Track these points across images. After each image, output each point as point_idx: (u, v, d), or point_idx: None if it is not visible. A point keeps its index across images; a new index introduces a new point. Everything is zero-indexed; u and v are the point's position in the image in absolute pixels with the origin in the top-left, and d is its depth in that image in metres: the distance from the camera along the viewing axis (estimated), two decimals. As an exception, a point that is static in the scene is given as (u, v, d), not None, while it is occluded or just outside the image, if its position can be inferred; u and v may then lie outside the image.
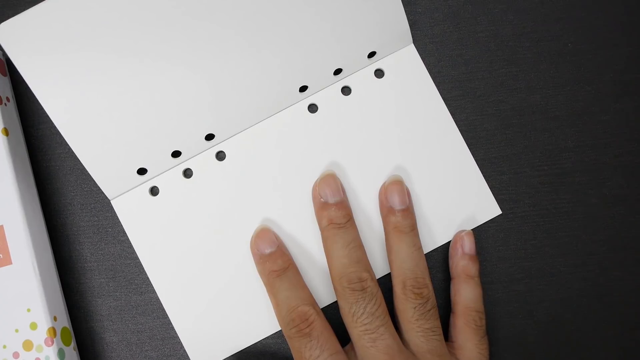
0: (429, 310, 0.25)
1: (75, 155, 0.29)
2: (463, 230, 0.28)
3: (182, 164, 0.28)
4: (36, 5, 0.24)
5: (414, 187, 0.28)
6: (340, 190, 0.27)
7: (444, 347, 0.25)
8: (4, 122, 0.27)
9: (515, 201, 0.29)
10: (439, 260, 0.29)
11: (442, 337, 0.25)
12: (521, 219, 0.29)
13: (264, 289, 0.27)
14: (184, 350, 0.28)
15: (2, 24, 0.24)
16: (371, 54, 0.29)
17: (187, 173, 0.29)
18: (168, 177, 0.28)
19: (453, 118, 0.29)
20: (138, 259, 0.28)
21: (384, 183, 0.28)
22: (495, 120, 0.30)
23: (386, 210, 0.27)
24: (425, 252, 0.28)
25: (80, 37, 0.24)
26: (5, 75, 0.29)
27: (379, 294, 0.25)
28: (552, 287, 0.29)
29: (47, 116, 0.30)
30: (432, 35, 0.30)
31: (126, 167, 0.27)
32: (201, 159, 0.28)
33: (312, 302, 0.25)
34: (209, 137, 0.28)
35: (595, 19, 0.30)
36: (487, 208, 0.29)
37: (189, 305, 0.28)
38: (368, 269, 0.25)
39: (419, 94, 0.29)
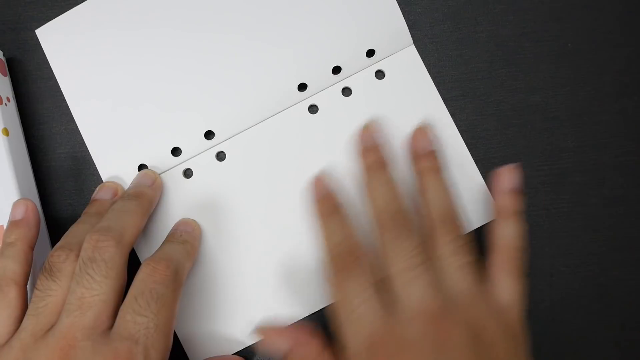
0: (463, 244, 0.24)
1: (75, 156, 0.29)
2: (506, 166, 0.27)
3: (182, 163, 0.28)
4: (69, 11, 0.28)
5: (414, 188, 0.28)
6: (379, 135, 0.28)
7: (480, 285, 0.24)
8: (4, 122, 0.27)
9: (515, 201, 0.29)
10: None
11: (476, 274, 0.24)
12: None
13: (263, 289, 0.27)
14: (184, 350, 0.28)
15: (43, 27, 0.28)
16: (370, 53, 0.29)
17: (187, 173, 0.29)
18: (168, 176, 0.28)
19: (453, 118, 0.29)
20: (138, 258, 0.28)
21: (413, 131, 0.28)
22: (495, 120, 0.30)
23: (413, 156, 0.27)
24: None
25: (99, 41, 0.28)
26: (5, 75, 0.29)
27: (421, 231, 0.25)
28: (552, 287, 0.29)
29: (48, 116, 0.30)
30: (432, 35, 0.30)
31: (129, 164, 0.28)
32: (201, 159, 0.28)
33: (358, 240, 0.25)
34: (209, 135, 0.28)
35: (595, 19, 0.30)
36: (487, 210, 0.29)
37: (187, 306, 0.28)
38: (406, 206, 0.25)
39: (420, 96, 0.29)
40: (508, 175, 0.26)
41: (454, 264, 0.24)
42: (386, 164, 0.26)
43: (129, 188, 0.27)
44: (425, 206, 0.26)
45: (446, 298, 0.23)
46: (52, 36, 0.28)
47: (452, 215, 0.25)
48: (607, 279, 0.29)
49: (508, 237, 0.25)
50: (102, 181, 0.28)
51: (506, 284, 0.24)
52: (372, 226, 0.25)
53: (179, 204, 0.28)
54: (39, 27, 0.28)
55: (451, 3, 0.30)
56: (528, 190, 0.29)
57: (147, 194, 0.26)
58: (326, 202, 0.27)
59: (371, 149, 0.27)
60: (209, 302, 0.28)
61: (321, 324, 0.28)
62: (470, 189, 0.29)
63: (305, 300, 0.28)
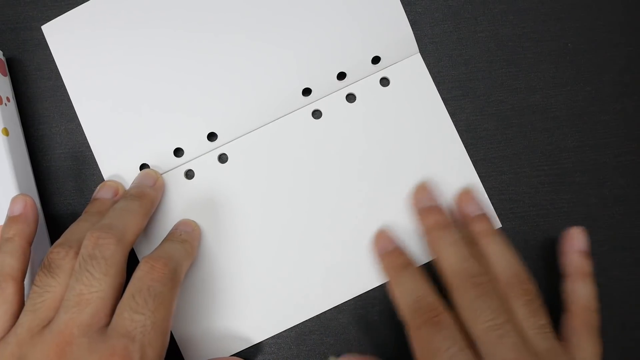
0: (539, 306, 0.24)
1: (75, 156, 0.29)
2: (576, 227, 0.27)
3: (184, 164, 0.28)
4: (76, 8, 0.28)
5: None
6: (436, 197, 0.28)
7: (560, 346, 0.24)
8: (4, 122, 0.27)
9: (515, 201, 0.29)
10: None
11: (554, 334, 0.24)
12: (521, 219, 0.29)
13: (261, 292, 0.27)
14: (180, 351, 0.28)
15: (49, 23, 0.28)
16: (375, 60, 0.29)
17: (189, 174, 0.29)
18: (169, 177, 0.28)
19: (453, 118, 0.29)
20: (137, 259, 0.28)
21: (458, 194, 0.28)
22: (495, 120, 0.30)
23: (465, 220, 0.27)
24: (429, 260, 0.28)
25: (104, 40, 0.28)
26: (5, 75, 0.29)
27: (497, 291, 0.24)
28: (552, 287, 0.29)
29: (48, 116, 0.30)
30: (432, 35, 0.30)
31: (131, 163, 0.28)
32: (203, 161, 0.28)
33: (439, 296, 0.25)
34: (212, 137, 0.28)
35: (595, 19, 0.30)
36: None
37: (185, 307, 0.28)
38: (480, 265, 0.25)
39: (424, 104, 0.29)
40: (580, 237, 0.27)
41: (534, 325, 0.24)
42: (450, 224, 0.26)
43: (130, 188, 0.27)
44: (493, 268, 0.25)
45: (532, 358, 0.23)
46: (58, 33, 0.28)
47: (523, 277, 0.25)
48: (607, 279, 0.29)
49: (584, 299, 0.26)
50: (103, 180, 0.28)
51: (585, 345, 0.25)
52: (447, 286, 0.25)
53: (180, 204, 0.28)
54: (39, 27, 0.28)
55: (451, 3, 0.30)
56: (528, 190, 0.29)
57: (149, 194, 0.26)
58: (395, 256, 0.27)
59: (431, 209, 0.27)
60: (207, 304, 0.28)
61: (319, 327, 0.28)
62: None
63: (303, 304, 0.28)
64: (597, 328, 0.25)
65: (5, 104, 0.28)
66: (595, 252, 0.29)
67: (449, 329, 0.23)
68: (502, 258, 0.25)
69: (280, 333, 0.28)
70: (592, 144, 0.30)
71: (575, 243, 0.27)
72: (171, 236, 0.26)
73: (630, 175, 0.29)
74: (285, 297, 0.28)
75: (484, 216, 0.27)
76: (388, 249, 0.27)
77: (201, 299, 0.28)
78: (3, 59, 0.29)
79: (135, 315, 0.21)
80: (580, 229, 0.27)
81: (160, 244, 0.25)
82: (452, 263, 0.25)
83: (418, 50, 0.29)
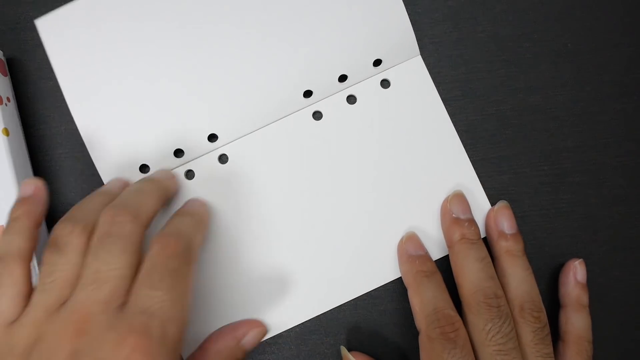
0: (547, 335, 0.25)
1: (75, 156, 0.29)
2: (576, 259, 0.28)
3: (184, 165, 0.28)
4: (72, 2, 0.27)
5: (416, 201, 0.28)
6: (470, 210, 0.27)
7: None
8: (4, 122, 0.27)
9: (515, 201, 0.29)
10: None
11: None
12: (521, 219, 0.29)
13: (260, 293, 0.27)
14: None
15: (43, 17, 0.27)
16: (377, 62, 0.29)
17: (189, 175, 0.29)
18: (168, 177, 0.28)
19: (453, 118, 0.29)
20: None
21: (492, 208, 0.28)
22: (495, 120, 0.30)
23: (497, 235, 0.27)
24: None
25: (101, 37, 0.27)
26: (5, 75, 0.29)
27: (511, 316, 0.25)
28: (552, 287, 0.29)
29: (48, 116, 0.30)
30: (432, 35, 0.30)
31: (130, 164, 0.28)
32: (203, 161, 0.28)
33: (457, 312, 0.25)
34: (212, 138, 0.28)
35: (595, 19, 0.30)
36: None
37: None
38: (500, 287, 0.25)
39: (424, 106, 0.29)
40: (579, 269, 0.27)
41: (539, 353, 0.24)
42: (480, 240, 0.26)
43: (417, 261, 0.27)
44: (509, 290, 0.26)
45: None
46: (52, 28, 0.27)
47: (539, 305, 0.25)
48: (607, 279, 0.29)
49: (579, 329, 0.26)
50: (103, 182, 0.28)
51: None
52: (463, 300, 0.25)
53: (180, 205, 0.28)
54: (39, 27, 0.28)
55: (451, 3, 0.30)
56: (528, 190, 0.29)
57: (164, 180, 0.26)
58: (422, 262, 0.26)
59: (464, 221, 0.27)
60: (206, 305, 0.28)
61: (319, 327, 0.28)
62: (473, 204, 0.28)
63: (304, 305, 0.28)
64: (590, 358, 0.26)
65: (6, 104, 0.28)
66: (595, 252, 0.29)
67: (463, 348, 0.23)
68: (523, 282, 0.25)
69: (280, 333, 0.28)
70: (592, 144, 0.30)
71: (574, 275, 0.27)
72: (180, 211, 0.25)
73: (630, 175, 0.29)
74: (285, 297, 0.28)
75: (517, 235, 0.27)
76: (416, 253, 0.27)
77: (200, 300, 0.28)
78: (3, 59, 0.29)
79: (153, 292, 0.20)
80: (580, 261, 0.28)
81: (170, 220, 0.24)
82: (474, 280, 0.25)
83: (419, 53, 0.29)
